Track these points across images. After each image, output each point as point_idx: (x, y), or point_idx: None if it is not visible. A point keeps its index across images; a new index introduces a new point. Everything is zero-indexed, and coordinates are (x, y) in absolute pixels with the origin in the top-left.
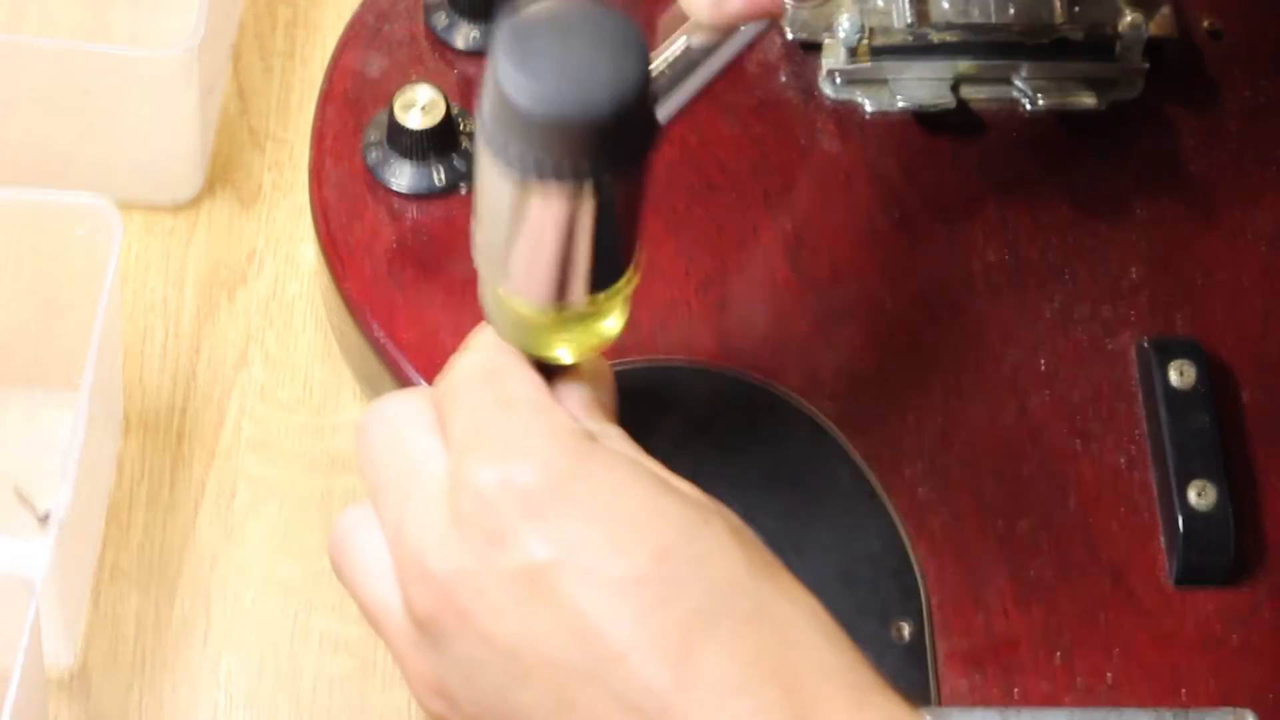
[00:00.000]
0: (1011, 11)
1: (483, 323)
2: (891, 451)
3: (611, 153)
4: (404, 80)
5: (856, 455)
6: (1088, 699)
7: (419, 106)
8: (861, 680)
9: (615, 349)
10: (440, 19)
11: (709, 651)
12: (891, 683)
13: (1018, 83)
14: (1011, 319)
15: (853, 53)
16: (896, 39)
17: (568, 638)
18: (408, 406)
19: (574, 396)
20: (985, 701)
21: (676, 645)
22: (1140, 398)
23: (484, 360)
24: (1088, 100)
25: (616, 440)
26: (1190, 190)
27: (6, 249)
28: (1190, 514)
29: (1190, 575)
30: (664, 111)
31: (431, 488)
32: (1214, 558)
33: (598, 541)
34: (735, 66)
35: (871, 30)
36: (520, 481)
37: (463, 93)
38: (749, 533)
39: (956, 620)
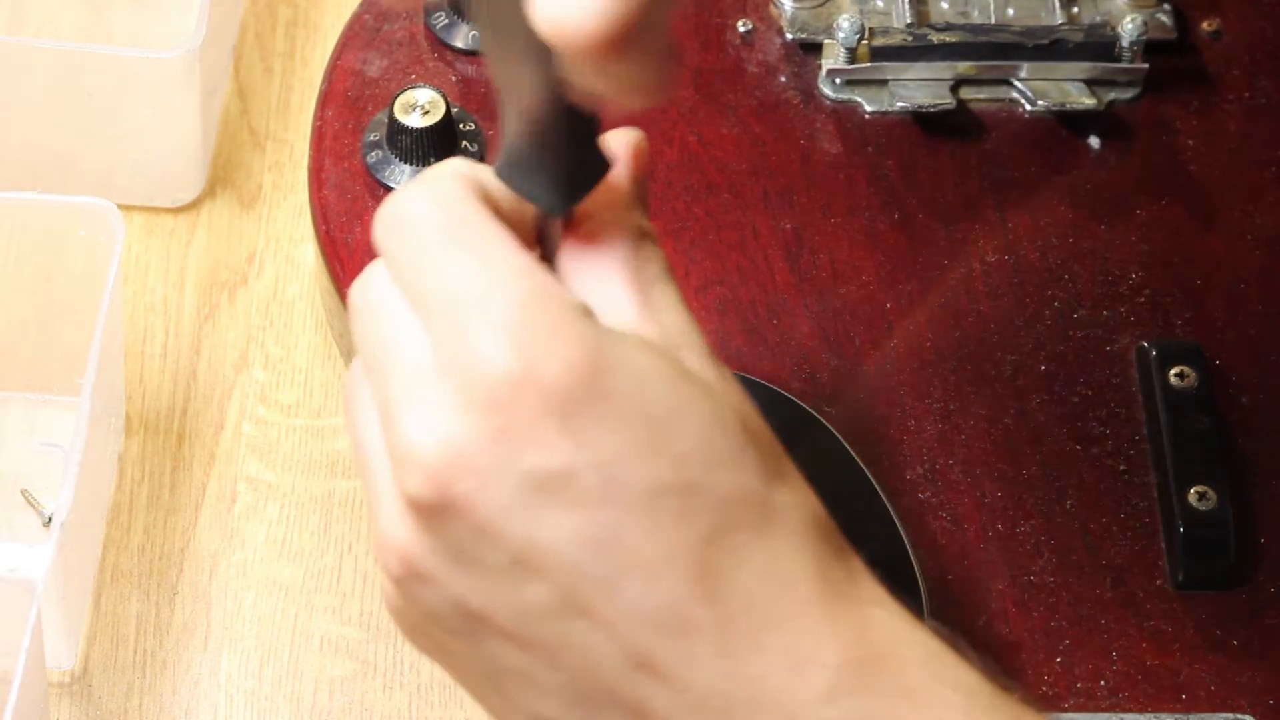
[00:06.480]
0: (1011, 12)
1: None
2: (892, 454)
3: None
4: (404, 80)
5: (857, 457)
6: (1087, 703)
7: (419, 107)
8: (860, 592)
9: None
10: (440, 19)
11: (726, 562)
12: None
13: (1017, 83)
14: (1012, 321)
15: (852, 53)
16: (896, 40)
17: (581, 543)
18: (383, 273)
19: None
20: None
21: (696, 558)
22: (1140, 400)
23: (444, 205)
24: (1087, 100)
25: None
26: (1190, 191)
27: (8, 250)
28: (1191, 517)
29: (1191, 579)
30: None
31: (411, 367)
32: (1215, 561)
33: (618, 447)
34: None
35: (871, 31)
36: (544, 376)
37: (463, 93)
38: (758, 421)
39: (957, 623)
